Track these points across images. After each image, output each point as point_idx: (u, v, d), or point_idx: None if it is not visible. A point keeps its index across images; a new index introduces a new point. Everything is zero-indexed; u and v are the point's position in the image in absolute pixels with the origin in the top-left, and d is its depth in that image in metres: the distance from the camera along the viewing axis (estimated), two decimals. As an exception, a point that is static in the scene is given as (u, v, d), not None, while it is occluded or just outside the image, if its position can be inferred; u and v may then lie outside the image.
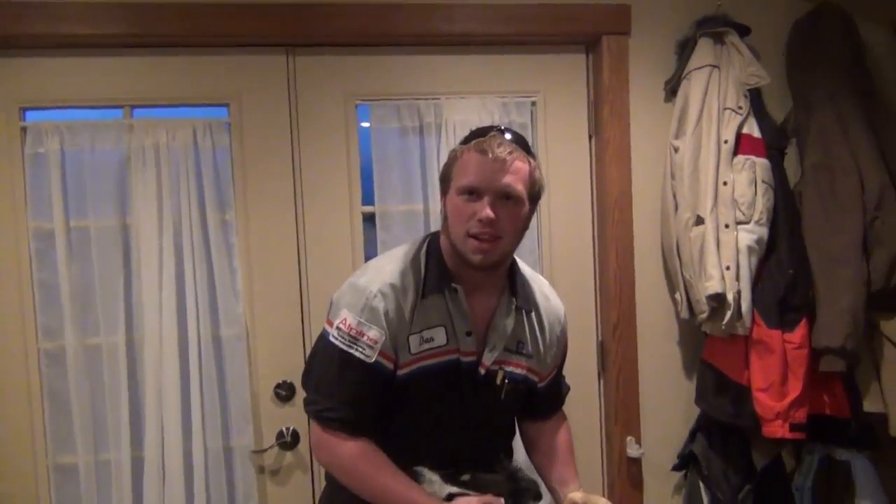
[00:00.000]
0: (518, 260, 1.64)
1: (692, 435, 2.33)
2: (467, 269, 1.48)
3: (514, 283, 1.59)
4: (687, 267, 2.17)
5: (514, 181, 1.43)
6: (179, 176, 2.13)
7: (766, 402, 2.09)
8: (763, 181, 2.12)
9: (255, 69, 2.19)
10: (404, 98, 2.25)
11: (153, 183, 2.11)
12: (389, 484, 1.43)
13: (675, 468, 2.35)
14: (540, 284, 1.70)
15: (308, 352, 2.14)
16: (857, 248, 2.08)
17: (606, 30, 2.26)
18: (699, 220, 2.13)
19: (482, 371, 1.54)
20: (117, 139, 2.11)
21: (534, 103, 2.33)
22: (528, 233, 2.27)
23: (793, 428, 2.09)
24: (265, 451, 2.20)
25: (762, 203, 2.11)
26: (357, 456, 1.45)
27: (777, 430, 2.08)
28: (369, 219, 2.28)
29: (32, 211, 2.10)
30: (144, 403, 2.12)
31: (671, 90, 2.29)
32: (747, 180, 2.11)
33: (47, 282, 2.11)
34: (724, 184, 2.12)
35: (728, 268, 2.08)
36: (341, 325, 1.46)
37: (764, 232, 2.12)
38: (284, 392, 2.21)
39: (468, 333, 1.51)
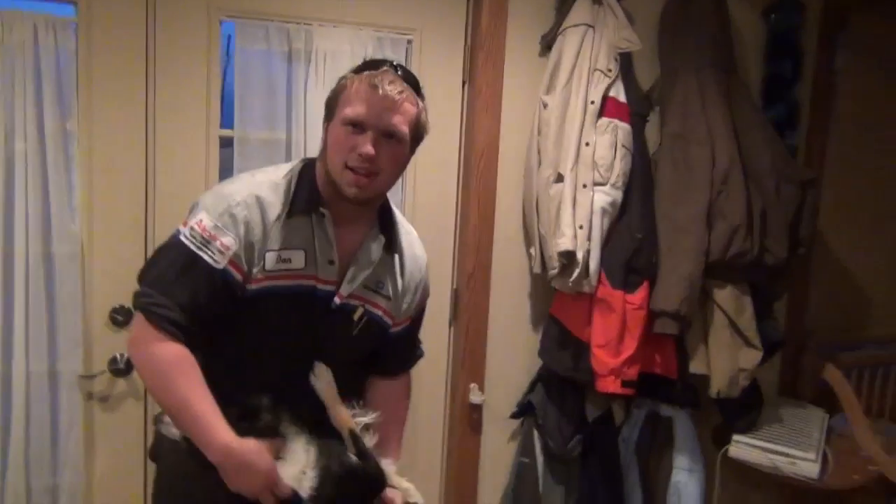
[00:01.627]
0: (391, 202, 1.61)
1: (532, 385, 2.42)
2: (339, 200, 1.45)
3: (385, 222, 1.57)
4: (543, 223, 2.21)
5: (401, 122, 1.41)
6: (15, 76, 1.92)
7: (602, 359, 2.18)
8: (623, 146, 2.17)
9: (109, -33, 2.00)
10: (274, 19, 2.13)
11: (-17, 79, 1.91)
12: (189, 397, 1.35)
13: (514, 416, 2.43)
14: (408, 231, 1.67)
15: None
16: (701, 219, 2.18)
17: (489, -26, 2.22)
18: (559, 178, 2.16)
19: (337, 301, 1.50)
20: (-58, 27, 1.88)
21: (409, 41, 2.27)
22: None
23: (624, 384, 2.19)
24: (94, 377, 2.09)
25: (620, 167, 2.17)
26: (173, 361, 1.36)
27: (609, 385, 2.18)
28: (227, 143, 2.16)
29: None
30: (-39, 319, 1.96)
31: (546, 45, 2.29)
32: (609, 143, 2.15)
33: None
34: (587, 144, 2.15)
35: (581, 227, 2.13)
36: (195, 226, 1.40)
37: (619, 195, 2.18)
38: (121, 317, 2.09)
39: (331, 262, 1.47)
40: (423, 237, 2.27)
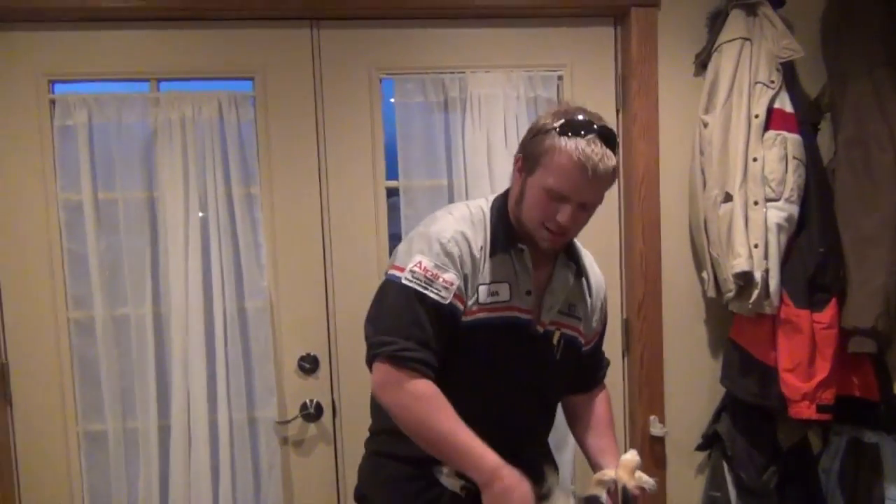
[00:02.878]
0: None
1: (717, 415, 2.31)
2: (532, 241, 1.52)
3: (570, 251, 1.63)
4: (714, 245, 2.14)
5: (599, 192, 1.48)
6: (205, 149, 2.14)
7: (792, 383, 2.06)
8: (794, 157, 2.07)
9: (279, 42, 2.19)
10: (429, 72, 2.23)
11: (179, 156, 2.13)
12: (453, 428, 1.40)
13: (699, 448, 2.33)
14: (586, 253, 1.73)
15: (332, 326, 2.19)
16: (890, 226, 2.03)
17: (635, 1, 2.22)
18: (728, 197, 2.09)
19: (540, 329, 1.56)
20: (143, 112, 2.13)
21: (560, 77, 2.29)
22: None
23: (820, 409, 2.05)
24: (289, 422, 2.23)
25: (793, 180, 2.06)
26: (430, 397, 1.42)
27: (804, 410, 2.05)
28: (393, 194, 2.28)
29: (62, 182, 2.14)
30: (171, 374, 2.15)
31: (701, 64, 2.24)
32: (778, 156, 2.06)
33: (76, 252, 2.15)
34: (754, 160, 2.07)
35: (756, 245, 2.04)
36: (416, 268, 1.46)
37: (794, 209, 2.08)
38: (308, 365, 2.23)
39: (528, 293, 1.53)
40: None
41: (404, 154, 2.24)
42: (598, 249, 2.29)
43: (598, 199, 1.49)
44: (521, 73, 2.24)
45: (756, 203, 2.05)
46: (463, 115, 2.23)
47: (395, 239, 2.27)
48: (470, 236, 1.50)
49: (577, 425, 1.76)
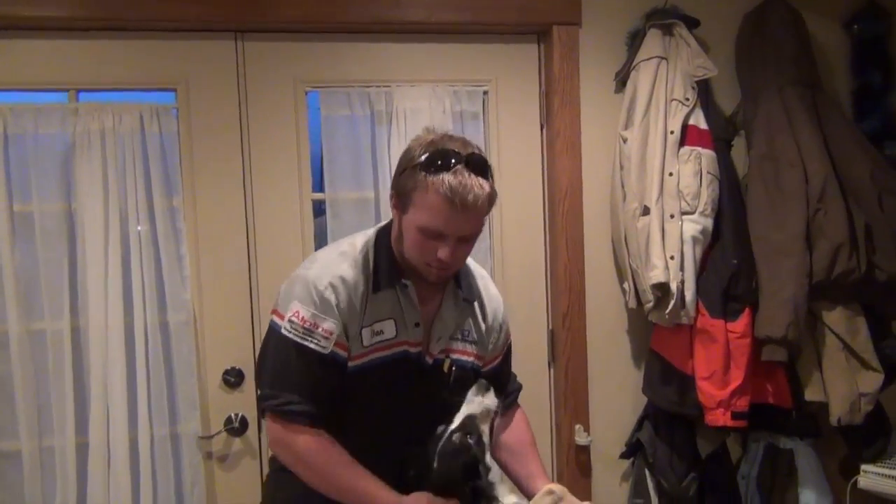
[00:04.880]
0: None
1: (639, 423, 2.35)
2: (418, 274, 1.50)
3: (459, 276, 1.60)
4: (634, 256, 2.19)
5: (477, 223, 1.43)
6: (125, 161, 2.11)
7: (708, 391, 2.12)
8: (708, 172, 2.14)
9: (203, 54, 2.18)
10: (355, 85, 2.24)
11: (99, 168, 2.09)
12: (350, 477, 1.43)
13: (623, 456, 2.37)
14: (481, 275, 1.71)
15: (258, 339, 2.17)
16: (800, 239, 2.11)
17: (557, 20, 2.27)
18: (645, 210, 2.15)
19: (429, 360, 1.55)
20: (62, 123, 2.09)
21: (485, 92, 2.33)
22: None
23: (735, 416, 2.12)
24: (212, 437, 2.20)
25: (707, 194, 2.13)
26: (318, 449, 1.44)
27: (719, 418, 2.11)
28: (319, 206, 2.27)
29: (-25, 195, 2.08)
30: (90, 390, 2.10)
31: (621, 81, 2.30)
32: (692, 171, 2.13)
33: (-11, 265, 2.08)
34: (670, 174, 2.14)
35: (672, 257, 2.10)
36: (294, 318, 1.44)
37: (709, 222, 2.14)
38: (233, 378, 2.21)
39: (416, 325, 1.52)
40: (513, 280, 2.32)
41: (330, 166, 2.25)
42: (523, 262, 2.37)
43: (478, 229, 1.45)
44: (446, 87, 2.27)
45: (672, 216, 2.12)
46: (389, 128, 2.24)
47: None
48: (350, 279, 1.47)
49: (500, 451, 1.68)
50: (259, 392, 1.50)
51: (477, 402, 1.50)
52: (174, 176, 2.16)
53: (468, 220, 1.39)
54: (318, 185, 2.27)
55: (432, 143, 1.41)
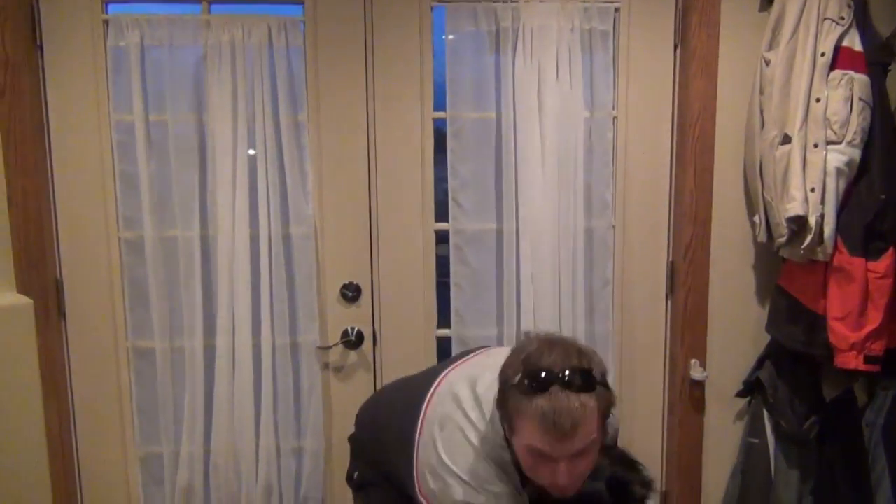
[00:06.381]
0: None
1: (760, 362, 2.28)
2: None
3: None
4: (769, 188, 2.07)
5: (587, 438, 1.31)
6: (254, 74, 2.13)
7: (841, 332, 2.01)
8: (860, 99, 1.98)
9: (331, -34, 2.15)
10: (481, 0, 2.17)
11: (229, 81, 2.12)
12: None
13: (740, 394, 2.31)
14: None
15: (375, 256, 2.22)
16: (958, 174, 1.94)
17: (700, -70, 2.12)
18: (786, 139, 2.01)
19: None
20: (194, 35, 2.12)
21: (617, 9, 2.21)
22: (602, 146, 2.23)
23: (867, 360, 2.00)
24: (330, 348, 2.27)
25: (857, 122, 1.97)
26: None
27: (850, 360, 2.00)
28: (441, 124, 2.25)
29: (114, 103, 2.16)
30: (217, 296, 2.19)
31: (767, -2, 2.14)
32: (843, 97, 1.97)
33: (128, 174, 2.17)
34: (817, 100, 1.98)
35: (813, 189, 1.97)
36: None
37: (856, 153, 1.99)
38: (350, 293, 2.25)
39: None
40: (635, 207, 2.24)
41: (453, 85, 2.21)
42: (646, 190, 2.28)
43: (589, 444, 1.33)
44: (576, 3, 2.17)
45: (816, 145, 1.97)
46: (514, 46, 2.17)
47: (439, 181, 2.26)
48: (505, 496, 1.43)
49: None
50: None
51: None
52: (300, 91, 2.17)
53: (572, 441, 1.30)
54: (440, 105, 2.23)
55: (527, 360, 1.33)
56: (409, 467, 1.53)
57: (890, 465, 2.25)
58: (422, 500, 1.49)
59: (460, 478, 1.43)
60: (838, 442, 2.23)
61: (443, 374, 1.64)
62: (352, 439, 1.85)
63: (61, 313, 2.21)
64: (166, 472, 2.27)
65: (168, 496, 2.28)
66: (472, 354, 1.73)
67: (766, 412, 2.25)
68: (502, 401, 1.37)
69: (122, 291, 2.22)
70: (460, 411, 1.48)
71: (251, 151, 2.16)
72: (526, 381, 1.30)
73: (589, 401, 1.30)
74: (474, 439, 1.45)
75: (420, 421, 1.55)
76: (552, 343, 1.37)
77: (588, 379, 1.31)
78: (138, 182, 2.16)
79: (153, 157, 2.17)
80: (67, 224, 2.19)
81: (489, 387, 1.46)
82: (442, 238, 2.29)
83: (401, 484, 1.58)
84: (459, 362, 1.70)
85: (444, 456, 1.44)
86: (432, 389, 1.60)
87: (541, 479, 1.37)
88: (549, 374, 1.30)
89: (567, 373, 1.30)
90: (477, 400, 1.49)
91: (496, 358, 1.46)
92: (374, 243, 2.25)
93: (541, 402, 1.28)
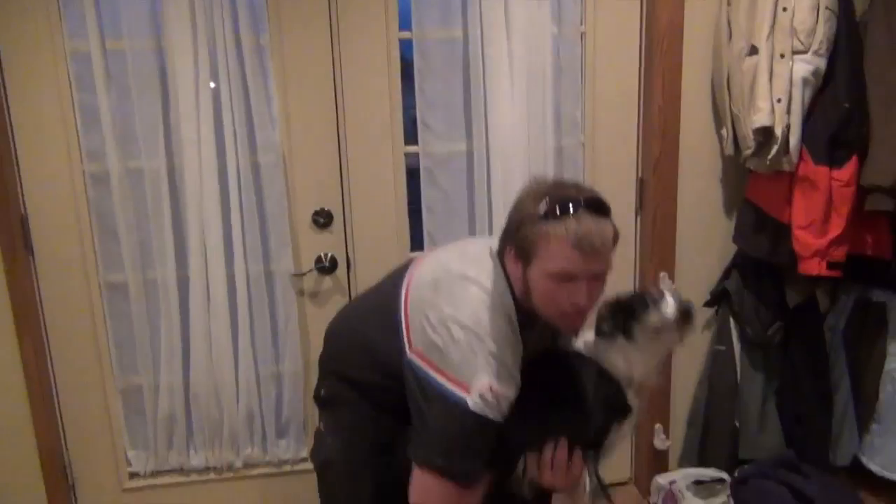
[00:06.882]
0: None
1: (727, 272, 2.34)
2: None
3: None
4: (736, 100, 2.09)
5: (607, 260, 1.41)
6: (212, -4, 2.06)
7: (805, 240, 2.06)
8: (827, 7, 1.98)
9: None
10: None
11: (186, 3, 2.05)
12: None
13: (707, 304, 2.37)
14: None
15: (345, 182, 2.19)
16: (921, 82, 1.96)
17: None
18: (753, 50, 2.02)
19: None
20: (148, -46, 2.04)
21: (583, -81, 2.17)
22: (570, 63, 2.21)
23: (830, 266, 2.07)
24: (304, 274, 2.27)
25: (823, 31, 1.98)
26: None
27: (814, 267, 2.07)
28: (407, 47, 2.21)
29: (68, 30, 2.07)
30: (187, 227, 2.17)
31: None
32: (810, 6, 1.97)
33: (88, 105, 2.11)
34: (784, 9, 1.98)
35: (779, 100, 1.99)
36: (486, 395, 1.40)
37: (822, 63, 2.00)
38: (322, 219, 2.24)
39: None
40: (603, 124, 2.24)
41: (418, 4, 2.16)
42: (615, 105, 2.28)
43: (608, 267, 1.42)
44: (542, -87, 2.12)
45: (782, 56, 1.98)
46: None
47: (407, 104, 2.23)
48: (514, 342, 1.45)
49: None
50: (420, 450, 1.45)
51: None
52: (261, 11, 2.11)
53: (599, 261, 1.38)
54: (406, 24, 2.19)
55: (548, 192, 1.39)
56: (396, 339, 1.52)
57: (849, 366, 2.35)
58: (414, 358, 1.47)
59: (468, 327, 1.44)
60: (801, 346, 2.31)
61: (412, 265, 1.64)
62: (320, 359, 1.86)
63: (29, 249, 2.18)
64: (147, 404, 2.29)
65: (150, 426, 2.31)
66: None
67: (732, 320, 2.33)
68: (521, 234, 1.41)
69: (89, 225, 2.19)
70: (455, 272, 1.51)
71: (212, 84, 2.11)
72: (556, 206, 1.37)
73: (608, 225, 1.39)
74: (479, 291, 1.48)
75: (405, 287, 1.56)
76: (562, 181, 1.48)
77: (605, 206, 1.41)
78: (98, 113, 2.10)
79: (113, 86, 2.10)
80: (29, 159, 2.13)
81: (481, 248, 1.54)
82: (412, 172, 2.28)
83: (379, 370, 1.58)
84: (425, 254, 1.72)
85: (446, 308, 1.46)
86: (409, 271, 1.60)
87: (559, 305, 1.41)
88: (573, 200, 1.37)
89: (588, 198, 1.39)
90: (475, 260, 1.53)
91: (463, 241, 1.58)
92: (343, 168, 2.23)
93: (571, 223, 1.35)
